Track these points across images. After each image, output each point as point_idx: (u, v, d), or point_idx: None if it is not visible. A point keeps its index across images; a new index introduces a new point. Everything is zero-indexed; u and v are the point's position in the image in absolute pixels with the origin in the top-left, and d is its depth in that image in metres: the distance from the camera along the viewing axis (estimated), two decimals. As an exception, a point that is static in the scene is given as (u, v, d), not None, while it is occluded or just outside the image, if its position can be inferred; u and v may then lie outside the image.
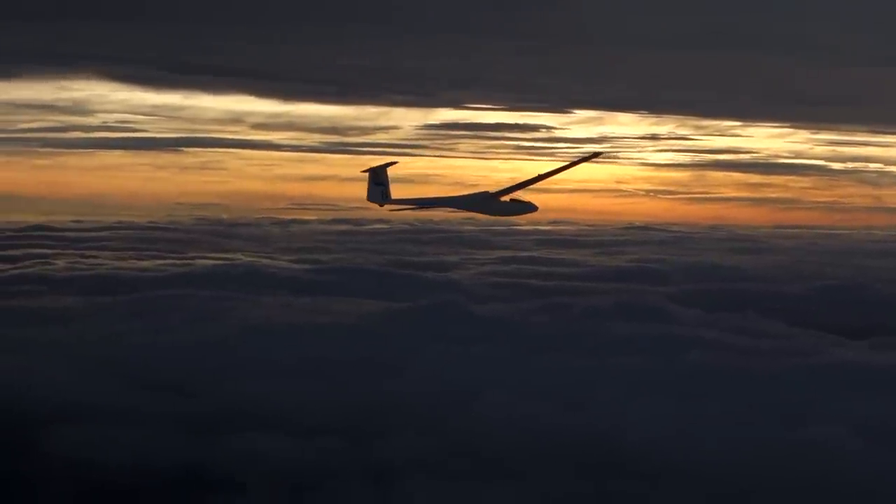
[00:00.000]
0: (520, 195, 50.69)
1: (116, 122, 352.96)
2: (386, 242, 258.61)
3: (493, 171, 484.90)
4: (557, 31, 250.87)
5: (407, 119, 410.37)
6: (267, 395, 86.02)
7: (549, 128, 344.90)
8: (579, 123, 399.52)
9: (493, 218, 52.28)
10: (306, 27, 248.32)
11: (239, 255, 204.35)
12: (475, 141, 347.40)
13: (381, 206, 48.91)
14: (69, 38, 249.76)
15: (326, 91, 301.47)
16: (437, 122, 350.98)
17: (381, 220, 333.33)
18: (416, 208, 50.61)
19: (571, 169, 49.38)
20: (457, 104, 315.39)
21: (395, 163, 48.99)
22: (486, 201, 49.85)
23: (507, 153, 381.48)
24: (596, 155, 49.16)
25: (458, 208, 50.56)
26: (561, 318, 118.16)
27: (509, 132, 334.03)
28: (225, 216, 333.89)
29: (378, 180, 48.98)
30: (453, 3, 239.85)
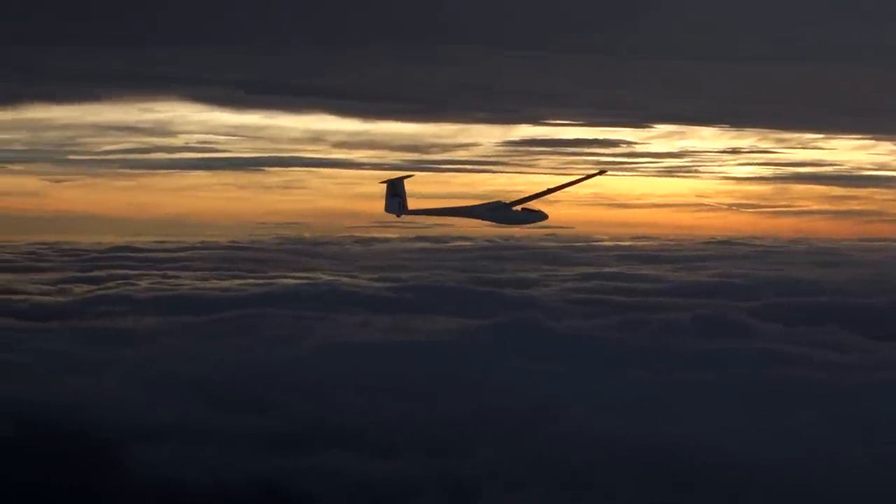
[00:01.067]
0: (531, 205, 52.00)
1: (198, 142, 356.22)
2: (467, 260, 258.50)
3: (574, 186, 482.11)
4: (637, 46, 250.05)
5: (487, 136, 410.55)
6: (346, 413, 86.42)
7: (629, 143, 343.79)
8: (660, 138, 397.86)
9: (504, 227, 53.67)
10: (385, 46, 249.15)
11: (320, 274, 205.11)
12: (555, 157, 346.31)
13: (399, 216, 50.12)
14: (151, 61, 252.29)
15: (406, 109, 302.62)
16: (517, 139, 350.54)
17: (462, 238, 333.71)
18: (433, 215, 52.02)
19: (592, 182, 50.76)
20: (536, 120, 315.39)
21: (411, 175, 50.42)
22: (499, 210, 51.47)
23: (587, 168, 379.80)
24: (603, 172, 50.49)
25: (473, 217, 51.73)
26: (640, 334, 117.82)
27: (589, 147, 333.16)
28: (307, 235, 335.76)
29: (395, 192, 50.41)
30: (533, 20, 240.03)
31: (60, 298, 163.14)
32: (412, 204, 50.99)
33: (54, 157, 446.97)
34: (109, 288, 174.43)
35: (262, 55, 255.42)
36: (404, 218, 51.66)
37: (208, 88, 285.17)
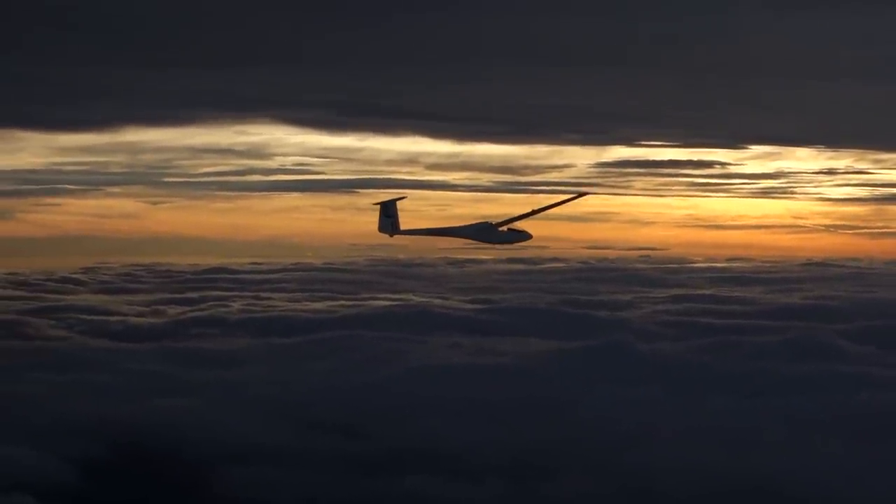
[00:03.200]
0: (517, 225, 52.91)
1: (293, 164, 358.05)
2: (560, 282, 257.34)
3: (668, 207, 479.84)
4: (731, 65, 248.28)
5: (580, 157, 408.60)
6: (436, 436, 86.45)
7: (723, 164, 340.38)
8: (754, 159, 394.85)
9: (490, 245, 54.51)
10: (478, 68, 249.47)
11: (412, 296, 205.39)
12: (649, 178, 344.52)
13: (391, 236, 51.33)
14: (246, 83, 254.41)
15: (500, 131, 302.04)
16: (611, 160, 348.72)
17: (556, 259, 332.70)
18: (424, 235, 53.03)
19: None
20: (630, 141, 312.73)
21: (404, 197, 51.80)
22: (486, 231, 52.70)
23: (681, 190, 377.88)
24: (583, 194, 51.15)
25: (461, 237, 52.66)
26: (731, 358, 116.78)
27: (683, 168, 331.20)
28: (401, 256, 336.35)
29: (388, 213, 51.98)
30: (626, 40, 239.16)
31: (154, 320, 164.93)
32: (405, 225, 52.46)
33: (151, 179, 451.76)
34: (203, 309, 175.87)
35: (356, 77, 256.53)
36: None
37: (303, 111, 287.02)
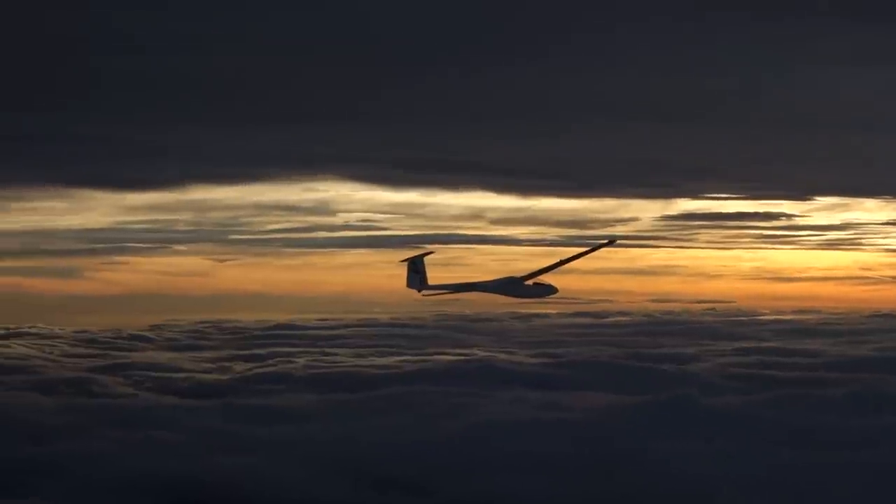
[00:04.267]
0: (542, 279, 52.54)
1: (359, 221, 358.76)
2: (625, 335, 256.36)
3: (735, 260, 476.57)
4: (796, 117, 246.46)
5: (646, 210, 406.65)
6: (500, 492, 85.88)
7: (789, 216, 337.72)
8: (821, 210, 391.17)
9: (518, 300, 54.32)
10: (541, 123, 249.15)
11: (477, 351, 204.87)
12: (715, 231, 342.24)
13: (420, 291, 51.26)
14: (311, 140, 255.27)
15: (565, 186, 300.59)
16: (676, 213, 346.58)
17: (621, 313, 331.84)
18: (451, 293, 52.96)
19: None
20: (695, 194, 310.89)
21: (431, 252, 51.83)
22: (512, 285, 52.62)
23: (748, 242, 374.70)
24: (613, 242, 50.59)
25: (488, 292, 52.48)
26: (796, 410, 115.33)
27: (749, 221, 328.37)
28: (467, 311, 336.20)
29: (416, 269, 51.97)
30: (690, 95, 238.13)
31: (220, 376, 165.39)
32: (434, 280, 52.48)
33: (218, 237, 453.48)
34: (269, 365, 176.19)
35: (420, 133, 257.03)
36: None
37: (368, 167, 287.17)
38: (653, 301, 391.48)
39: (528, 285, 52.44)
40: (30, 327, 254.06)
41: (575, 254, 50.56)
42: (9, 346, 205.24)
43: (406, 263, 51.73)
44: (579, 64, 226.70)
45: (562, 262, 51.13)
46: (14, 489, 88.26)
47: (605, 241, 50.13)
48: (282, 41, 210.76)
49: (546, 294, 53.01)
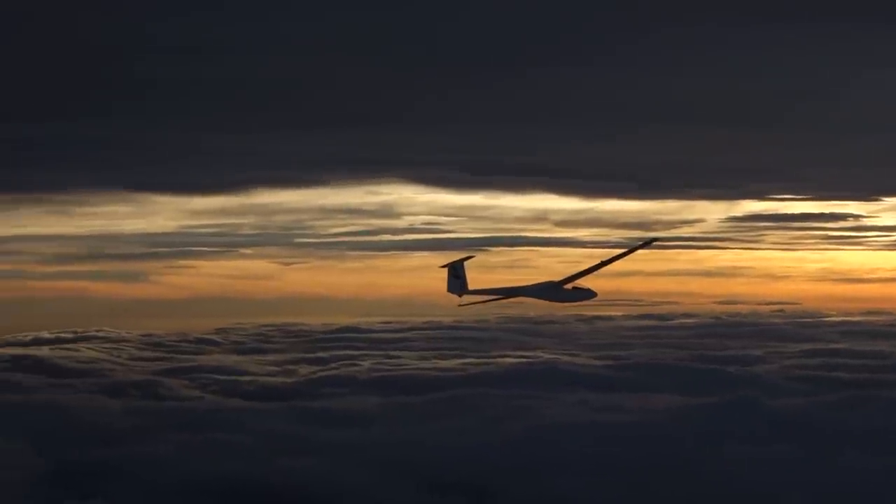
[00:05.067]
0: (581, 283, 52.28)
1: (423, 223, 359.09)
2: (690, 337, 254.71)
3: (802, 261, 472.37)
4: (863, 119, 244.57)
5: (711, 212, 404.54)
6: (563, 495, 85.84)
7: (857, 216, 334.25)
8: (889, 210, 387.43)
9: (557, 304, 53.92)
10: (605, 124, 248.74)
11: (540, 353, 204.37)
12: (781, 232, 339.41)
13: (460, 296, 51.47)
14: (376, 143, 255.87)
15: (628, 188, 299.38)
16: (742, 215, 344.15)
17: (686, 315, 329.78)
18: (494, 298, 53.02)
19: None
20: (761, 195, 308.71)
21: (471, 257, 51.93)
22: (551, 290, 52.21)
23: (814, 243, 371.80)
24: (651, 242, 50.16)
25: (526, 296, 52.41)
26: (863, 412, 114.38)
27: (816, 222, 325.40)
28: (532, 314, 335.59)
29: (456, 273, 52.13)
30: (755, 96, 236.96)
31: (285, 379, 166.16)
32: (474, 285, 52.77)
33: (283, 240, 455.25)
34: (333, 368, 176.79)
35: (484, 135, 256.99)
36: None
37: (432, 170, 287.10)
38: (719, 303, 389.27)
39: (567, 290, 52.20)
40: (97, 331, 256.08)
41: (614, 255, 50.28)
42: (77, 350, 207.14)
43: (447, 269, 51.92)
44: (646, 65, 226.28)
45: (602, 264, 50.84)
46: (82, 491, 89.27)
47: (644, 242, 49.88)
48: (343, 42, 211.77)
49: (585, 298, 52.83)
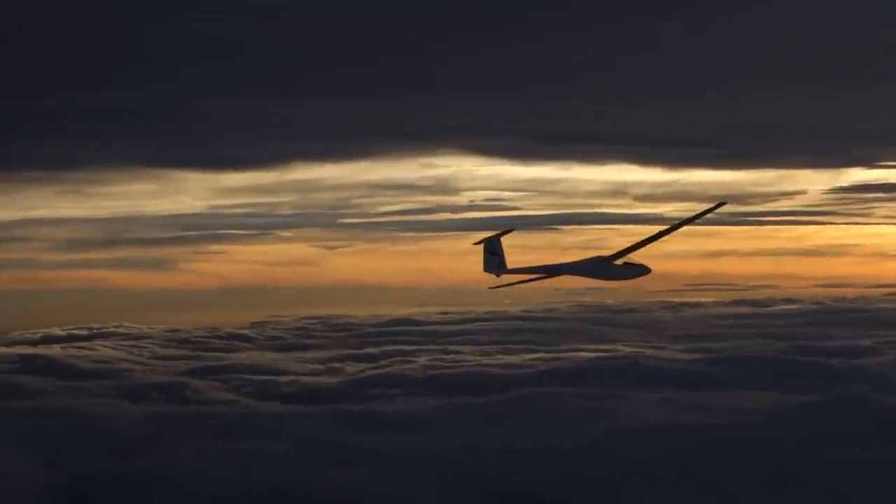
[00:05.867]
0: (635, 256, 52.04)
1: (485, 200, 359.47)
2: (790, 326, 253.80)
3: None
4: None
5: (813, 182, 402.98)
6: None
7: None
8: None
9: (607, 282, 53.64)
10: (688, 85, 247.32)
11: (619, 346, 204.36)
12: (894, 204, 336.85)
13: (498, 276, 51.53)
14: (429, 110, 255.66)
15: (718, 155, 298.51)
16: (849, 185, 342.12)
17: (786, 300, 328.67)
18: (535, 278, 52.95)
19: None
20: (870, 162, 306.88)
21: (510, 231, 51.92)
22: (599, 266, 51.85)
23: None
24: (720, 205, 49.64)
25: (572, 274, 52.25)
26: None
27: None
28: (610, 301, 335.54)
29: (493, 250, 52.09)
30: (862, 50, 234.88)
31: (329, 379, 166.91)
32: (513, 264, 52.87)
33: (326, 221, 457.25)
34: (383, 366, 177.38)
35: (553, 100, 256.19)
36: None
37: (494, 139, 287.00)
38: (823, 286, 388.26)
39: (618, 265, 52.10)
40: (115, 326, 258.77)
41: (675, 224, 49.93)
42: (93, 349, 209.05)
43: (482, 246, 52.14)
44: (738, 19, 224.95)
45: (660, 235, 50.54)
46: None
47: (714, 205, 49.51)
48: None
49: (637, 275, 52.62)
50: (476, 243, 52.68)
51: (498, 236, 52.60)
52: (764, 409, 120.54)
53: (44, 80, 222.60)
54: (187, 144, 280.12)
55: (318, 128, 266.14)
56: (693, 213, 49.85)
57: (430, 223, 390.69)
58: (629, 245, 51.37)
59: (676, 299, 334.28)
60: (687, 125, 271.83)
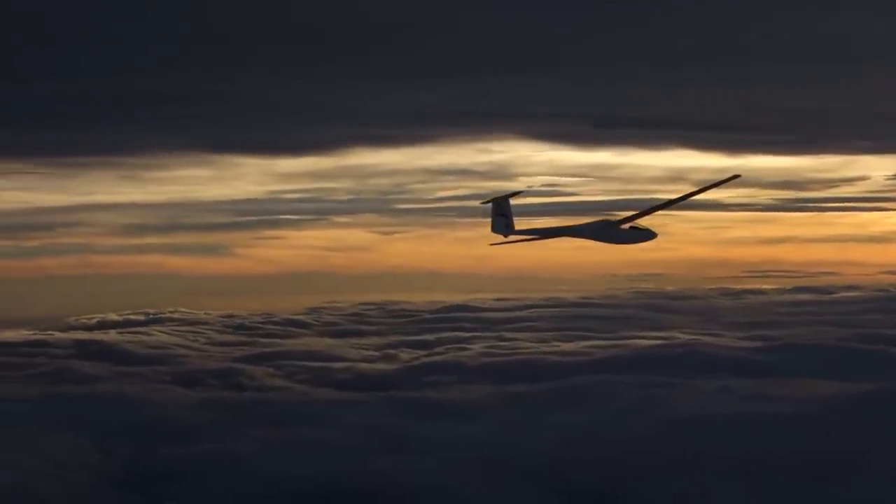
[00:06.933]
0: (640, 223, 51.89)
1: (542, 185, 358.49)
2: (854, 313, 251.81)
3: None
4: None
5: (877, 168, 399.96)
6: (699, 499, 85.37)
7: None
8: None
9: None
10: (752, 68, 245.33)
11: (678, 334, 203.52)
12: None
13: (506, 237, 51.52)
14: (486, 95, 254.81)
15: (780, 140, 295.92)
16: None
17: (850, 287, 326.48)
18: (539, 238, 52.86)
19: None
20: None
21: (519, 193, 51.62)
22: (606, 229, 52.12)
23: None
24: (734, 178, 49.33)
25: (580, 237, 52.15)
26: None
27: None
28: (669, 288, 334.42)
29: (501, 211, 51.95)
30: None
31: (384, 366, 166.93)
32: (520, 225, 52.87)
33: (382, 206, 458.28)
34: (438, 353, 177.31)
35: (611, 83, 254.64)
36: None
37: (552, 124, 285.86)
38: (888, 272, 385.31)
39: (624, 230, 52.14)
40: (171, 312, 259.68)
41: (686, 193, 49.88)
42: (148, 334, 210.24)
43: (490, 206, 52.13)
44: (798, 1, 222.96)
45: (670, 203, 50.53)
46: (150, 494, 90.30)
47: (728, 178, 49.35)
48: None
49: (643, 240, 52.65)
50: (484, 202, 52.75)
51: (506, 197, 52.61)
52: (824, 397, 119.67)
53: (104, 66, 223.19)
54: (245, 130, 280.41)
55: (374, 113, 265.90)
56: (703, 186, 49.83)
57: (486, 209, 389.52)
58: (638, 212, 51.43)
59: (737, 286, 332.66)
60: (746, 110, 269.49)
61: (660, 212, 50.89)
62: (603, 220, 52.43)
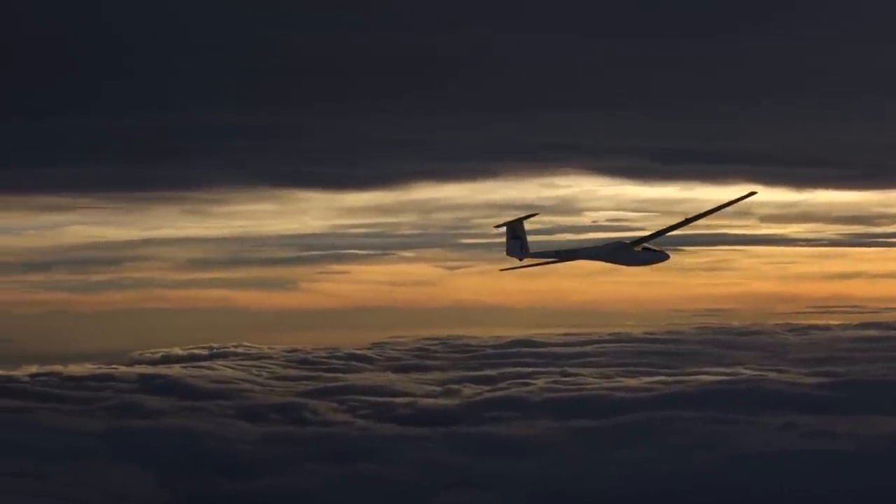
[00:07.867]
0: (654, 244, 52.09)
1: (607, 220, 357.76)
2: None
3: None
4: None
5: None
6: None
7: None
8: None
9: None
10: (818, 102, 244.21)
11: (742, 369, 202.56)
12: None
13: (521, 260, 51.71)
14: (551, 128, 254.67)
15: (847, 174, 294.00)
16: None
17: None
18: (556, 261, 53.04)
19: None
20: None
21: (534, 215, 51.87)
22: (620, 250, 52.12)
23: None
24: (752, 194, 49.35)
25: (595, 258, 52.34)
26: None
27: None
28: (735, 323, 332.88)
29: (516, 234, 52.17)
30: None
31: (446, 401, 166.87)
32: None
33: (447, 241, 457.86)
34: (501, 389, 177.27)
35: (676, 118, 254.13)
36: None
37: (617, 158, 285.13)
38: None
39: (637, 251, 52.41)
40: (235, 346, 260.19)
41: (699, 213, 50.10)
42: (212, 368, 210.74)
43: (504, 229, 52.51)
44: (862, 31, 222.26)
45: (685, 223, 50.77)
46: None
47: (744, 195, 49.52)
48: (520, 13, 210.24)
49: (656, 261, 52.94)
50: (498, 226, 53.14)
51: (521, 220, 53.01)
52: (890, 434, 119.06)
53: (168, 100, 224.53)
54: (309, 164, 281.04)
55: (438, 147, 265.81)
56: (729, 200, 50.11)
57: (553, 244, 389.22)
58: (651, 233, 51.79)
59: (803, 322, 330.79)
60: (813, 143, 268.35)
61: (673, 232, 51.22)
62: (617, 242, 52.81)
